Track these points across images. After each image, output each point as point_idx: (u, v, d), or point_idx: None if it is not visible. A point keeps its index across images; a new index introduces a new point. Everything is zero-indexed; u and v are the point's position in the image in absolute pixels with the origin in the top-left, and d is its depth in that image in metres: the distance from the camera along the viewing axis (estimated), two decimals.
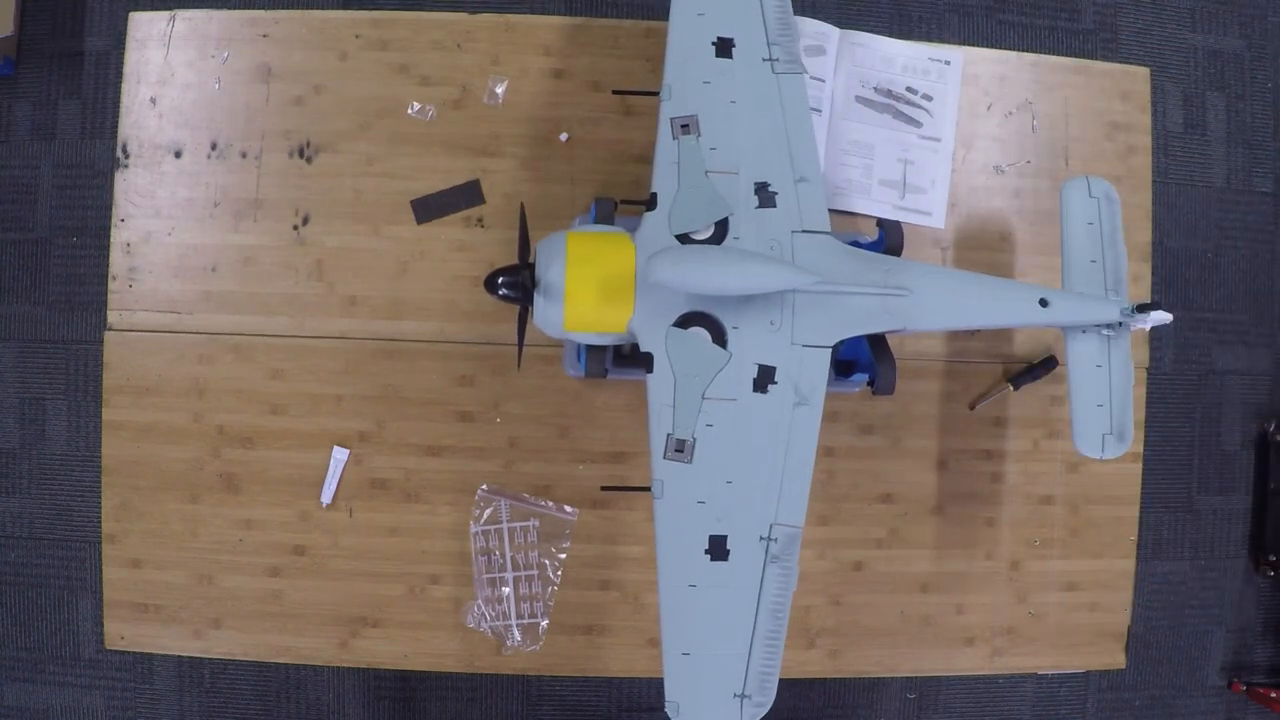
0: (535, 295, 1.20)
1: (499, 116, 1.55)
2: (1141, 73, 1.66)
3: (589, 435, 1.53)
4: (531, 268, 1.21)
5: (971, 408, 1.59)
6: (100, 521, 1.50)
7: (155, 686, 2.20)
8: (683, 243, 1.21)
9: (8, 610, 2.21)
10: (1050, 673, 2.00)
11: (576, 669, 1.54)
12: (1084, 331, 1.33)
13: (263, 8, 1.58)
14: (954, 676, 2.26)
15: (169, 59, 1.54)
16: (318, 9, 1.58)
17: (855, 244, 1.28)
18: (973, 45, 1.77)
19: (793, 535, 1.18)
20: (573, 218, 1.53)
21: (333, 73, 1.54)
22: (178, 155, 1.53)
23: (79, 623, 2.21)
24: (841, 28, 1.60)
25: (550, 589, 1.52)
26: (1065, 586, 1.60)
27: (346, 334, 1.53)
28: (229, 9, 1.56)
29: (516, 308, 1.25)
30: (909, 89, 1.61)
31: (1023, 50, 1.70)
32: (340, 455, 1.51)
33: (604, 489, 1.50)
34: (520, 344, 1.27)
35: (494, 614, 1.51)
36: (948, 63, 1.62)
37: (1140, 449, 1.61)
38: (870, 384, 1.31)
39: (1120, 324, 1.32)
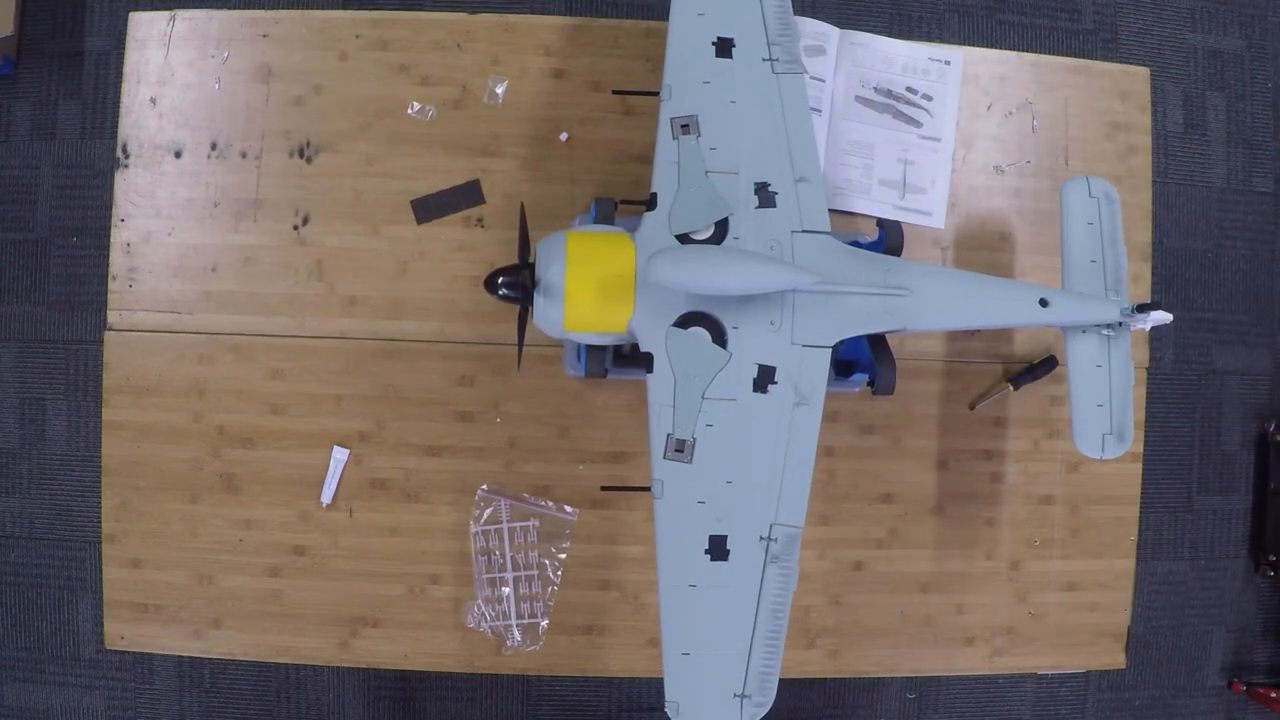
0: (535, 295, 1.20)
1: (499, 116, 1.55)
2: (1141, 73, 1.66)
3: (589, 435, 1.53)
4: (531, 268, 1.21)
5: (971, 408, 1.59)
6: (100, 521, 1.50)
7: (155, 686, 2.20)
8: (683, 243, 1.21)
9: (8, 610, 2.21)
10: (1050, 673, 2.00)
11: (576, 669, 1.54)
12: (1084, 331, 1.33)
13: (263, 8, 1.58)
14: (954, 676, 2.26)
15: (169, 59, 1.54)
16: (318, 9, 1.58)
17: (855, 244, 1.28)
18: (973, 45, 1.77)
19: (793, 535, 1.18)
20: (573, 218, 1.53)
21: (333, 73, 1.54)
22: (178, 155, 1.53)
23: (79, 623, 2.21)
24: (841, 28, 1.60)
25: (550, 589, 1.52)
26: (1065, 586, 1.60)
27: (346, 334, 1.53)
28: (229, 9, 1.56)
29: (516, 308, 1.25)
30: (909, 89, 1.61)
31: (1023, 50, 1.70)
32: (340, 455, 1.51)
33: (604, 489, 1.50)
34: (520, 344, 1.27)
35: (494, 614, 1.51)
36: (948, 63, 1.62)
37: (1140, 449, 1.61)
38: (870, 384, 1.31)
39: (1120, 324, 1.32)
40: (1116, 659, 1.62)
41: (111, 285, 1.51)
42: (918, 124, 1.61)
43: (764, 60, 1.30)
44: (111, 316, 1.51)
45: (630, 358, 1.35)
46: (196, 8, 1.55)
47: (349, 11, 1.58)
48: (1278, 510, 2.37)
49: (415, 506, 1.52)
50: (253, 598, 1.51)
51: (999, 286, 1.30)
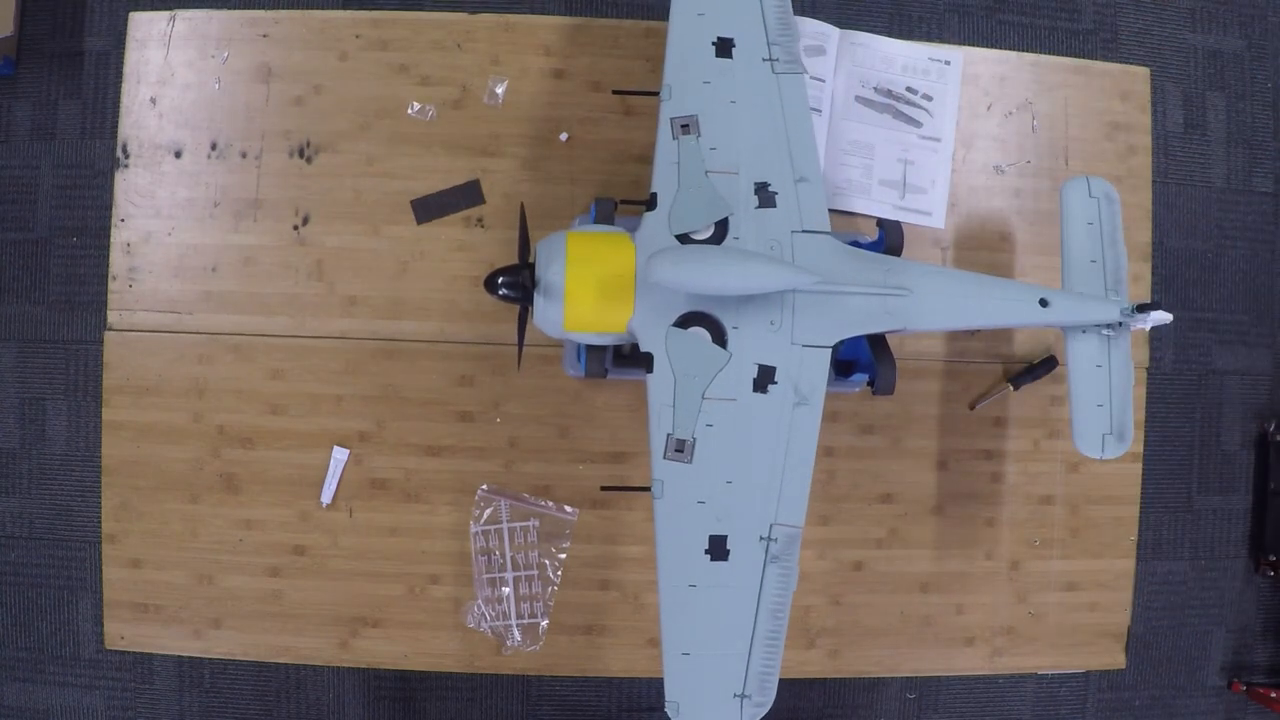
0: (535, 295, 1.20)
1: (499, 116, 1.55)
2: (1141, 73, 1.66)
3: (589, 435, 1.53)
4: (531, 268, 1.21)
5: (971, 408, 1.59)
6: (100, 521, 1.50)
7: (155, 686, 2.20)
8: (683, 243, 1.21)
9: (8, 610, 2.21)
10: (1050, 673, 2.00)
11: (576, 669, 1.54)
12: (1084, 331, 1.33)
13: (263, 8, 1.58)
14: (954, 676, 2.26)
15: (169, 59, 1.54)
16: (318, 9, 1.58)
17: (855, 244, 1.28)
18: (973, 45, 1.77)
19: (793, 535, 1.18)
20: (573, 218, 1.53)
21: (333, 73, 1.54)
22: (178, 155, 1.53)
23: (79, 623, 2.21)
24: (841, 28, 1.60)
25: (550, 589, 1.52)
26: (1065, 586, 1.60)
27: (346, 334, 1.53)
28: (229, 9, 1.56)
29: (516, 308, 1.25)
30: (909, 89, 1.61)
31: (1023, 50, 1.70)
32: (340, 455, 1.51)
33: (604, 489, 1.50)
34: (520, 344, 1.27)
35: (494, 614, 1.51)
36: (948, 63, 1.62)
37: (1140, 449, 1.61)
38: (870, 384, 1.31)
39: (1120, 324, 1.32)
40: (1116, 659, 1.62)
41: (111, 285, 1.51)
42: (918, 124, 1.61)
43: (764, 60, 1.30)
44: (111, 316, 1.51)
45: (630, 358, 1.35)
46: (196, 8, 1.55)
47: (349, 11, 1.58)
48: (1278, 510, 2.37)
49: (415, 506, 1.52)
50: (253, 598, 1.51)
51: (999, 286, 1.30)
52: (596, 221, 1.26)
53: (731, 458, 1.18)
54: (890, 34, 1.63)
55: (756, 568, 1.17)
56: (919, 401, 1.58)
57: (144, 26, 1.54)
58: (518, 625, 1.51)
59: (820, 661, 1.57)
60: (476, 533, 1.51)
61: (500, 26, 1.56)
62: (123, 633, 1.50)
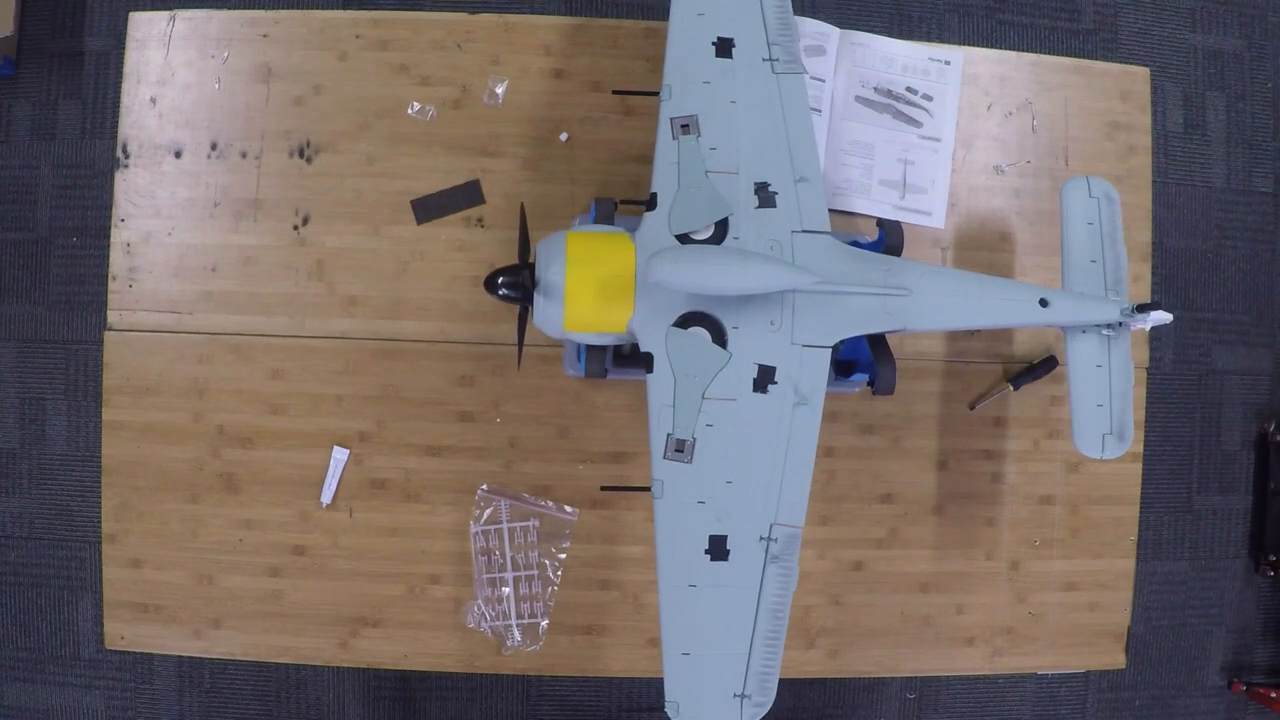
0: (535, 295, 1.20)
1: (499, 116, 1.55)
2: (1141, 73, 1.66)
3: (589, 435, 1.53)
4: (531, 268, 1.21)
5: (971, 408, 1.59)
6: (100, 521, 1.50)
7: (155, 686, 2.20)
8: (683, 243, 1.21)
9: (8, 610, 2.21)
10: (1050, 673, 2.00)
11: (576, 669, 1.54)
12: (1084, 331, 1.33)
13: (263, 8, 1.58)
14: (954, 676, 2.26)
15: (169, 59, 1.54)
16: (318, 9, 1.58)
17: (855, 244, 1.28)
18: (973, 45, 1.77)
19: (793, 535, 1.18)
20: (573, 218, 1.53)
21: (333, 73, 1.54)
22: (178, 155, 1.53)
23: (79, 623, 2.21)
24: (841, 28, 1.60)
25: (550, 589, 1.52)
26: (1065, 586, 1.60)
27: (346, 334, 1.53)
28: (229, 9, 1.56)
29: (516, 308, 1.25)
30: (909, 89, 1.61)
31: (1023, 50, 1.70)
32: (340, 455, 1.51)
33: (604, 489, 1.50)
34: (520, 344, 1.27)
35: (494, 614, 1.51)
36: (948, 63, 1.62)
37: (1140, 449, 1.61)
38: (870, 384, 1.31)
39: (1120, 324, 1.32)
40: (1116, 659, 1.62)
41: (111, 285, 1.51)
42: (918, 124, 1.61)
43: (764, 60, 1.30)
44: (111, 316, 1.51)
45: (630, 358, 1.35)
46: (196, 8, 1.55)
47: (349, 11, 1.58)
48: (1278, 510, 2.37)
49: (415, 506, 1.52)
50: (253, 598, 1.51)
51: (999, 286, 1.30)
52: (596, 221, 1.26)
53: (731, 458, 1.18)
54: (890, 34, 1.63)
55: (756, 568, 1.17)
56: (919, 401, 1.58)
57: (144, 26, 1.54)
58: (518, 625, 1.51)
59: (820, 661, 1.57)
60: (476, 533, 1.51)
61: (500, 26, 1.56)
62: (123, 633, 1.50)
